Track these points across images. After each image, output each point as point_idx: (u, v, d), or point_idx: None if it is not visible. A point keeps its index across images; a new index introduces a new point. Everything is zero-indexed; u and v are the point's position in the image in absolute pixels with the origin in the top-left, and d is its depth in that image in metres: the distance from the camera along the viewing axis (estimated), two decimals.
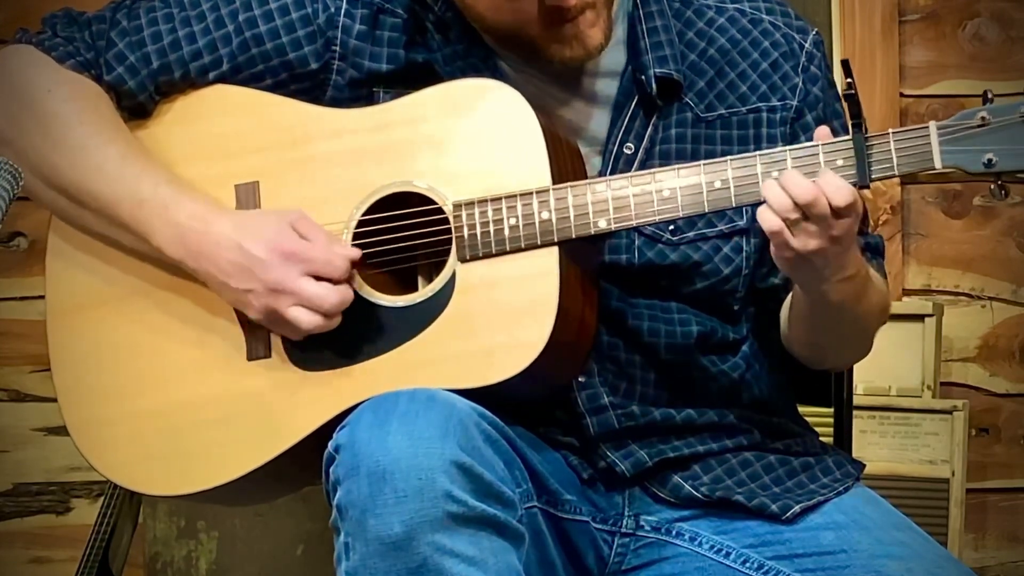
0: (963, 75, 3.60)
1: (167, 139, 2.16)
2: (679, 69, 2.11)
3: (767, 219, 1.93)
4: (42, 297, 2.20)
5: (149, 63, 2.14)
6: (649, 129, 2.11)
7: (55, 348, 2.18)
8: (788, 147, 1.97)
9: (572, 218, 2.01)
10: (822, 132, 1.98)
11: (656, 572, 2.09)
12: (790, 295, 2.12)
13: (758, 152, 1.98)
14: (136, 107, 2.17)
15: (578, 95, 2.12)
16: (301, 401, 2.06)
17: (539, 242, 2.01)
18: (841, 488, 2.12)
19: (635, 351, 2.12)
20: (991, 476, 3.62)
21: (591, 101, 2.12)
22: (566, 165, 2.04)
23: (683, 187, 1.99)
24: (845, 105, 1.98)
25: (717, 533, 2.08)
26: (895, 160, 1.94)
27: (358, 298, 2.06)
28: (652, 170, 2.01)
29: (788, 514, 2.06)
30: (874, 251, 2.18)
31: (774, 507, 2.07)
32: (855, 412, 2.49)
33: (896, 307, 3.49)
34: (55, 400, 2.17)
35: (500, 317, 2.00)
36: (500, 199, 2.02)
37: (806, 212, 1.91)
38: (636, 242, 2.09)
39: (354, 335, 2.05)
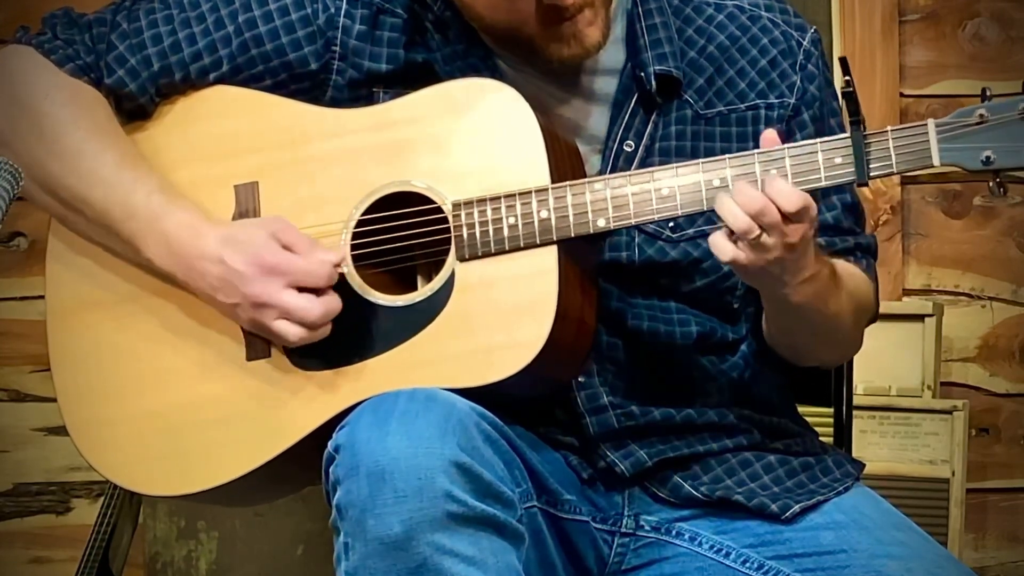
0: (963, 75, 3.61)
1: (167, 140, 2.16)
2: (678, 66, 2.11)
3: (721, 249, 1.92)
4: (42, 297, 2.20)
5: (150, 65, 2.14)
6: (649, 126, 2.11)
7: (55, 348, 2.18)
8: (786, 145, 1.97)
9: (571, 217, 2.01)
10: (768, 136, 1.97)
11: (656, 572, 2.09)
12: None
13: (756, 151, 1.98)
14: (136, 109, 2.17)
15: (577, 93, 2.12)
16: (301, 401, 2.06)
17: (538, 241, 2.01)
18: (841, 488, 2.12)
19: (635, 351, 2.11)
20: (991, 476, 3.62)
21: (590, 99, 2.13)
22: (565, 164, 2.04)
23: (682, 186, 1.99)
24: (843, 103, 1.98)
25: (717, 533, 2.08)
26: (894, 158, 1.94)
27: (357, 298, 2.06)
28: (651, 169, 2.01)
29: (788, 514, 2.06)
30: (865, 250, 2.18)
31: (774, 507, 2.07)
32: (855, 412, 2.49)
33: (896, 307, 3.50)
34: (55, 400, 2.17)
35: (499, 316, 2.00)
36: (499, 198, 2.02)
37: (758, 221, 1.90)
38: (636, 239, 2.09)
39: (353, 335, 2.05)
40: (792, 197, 1.91)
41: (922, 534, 2.07)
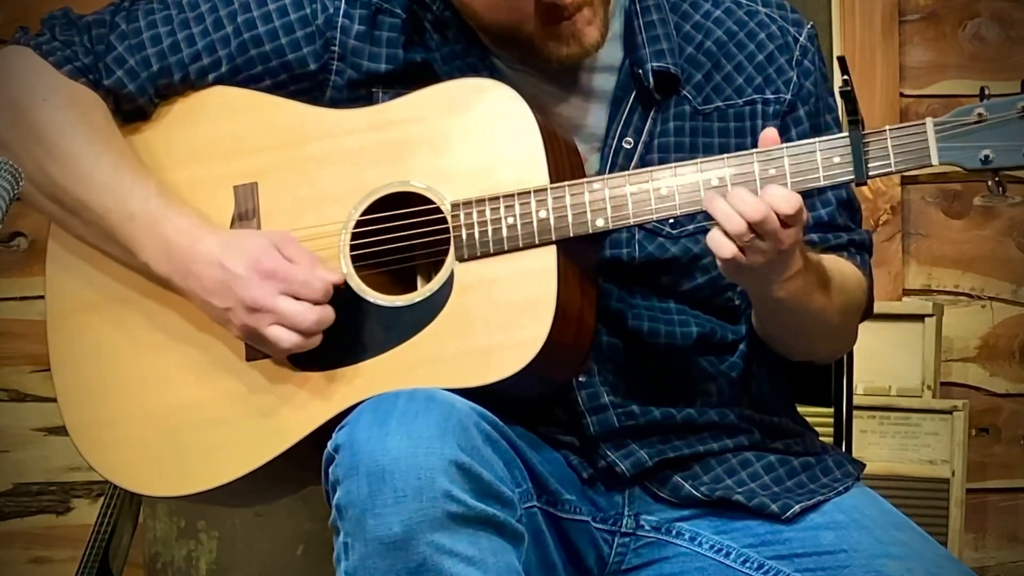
0: (963, 75, 3.61)
1: (166, 141, 2.16)
2: (676, 63, 2.11)
3: (722, 245, 1.92)
4: (42, 297, 2.20)
5: (149, 66, 2.14)
6: (647, 123, 2.11)
7: (55, 349, 2.18)
8: (785, 145, 1.97)
9: (570, 217, 2.01)
10: (767, 136, 1.98)
11: (656, 572, 2.09)
12: None
13: (755, 150, 1.98)
14: (136, 110, 2.17)
15: (575, 91, 2.12)
16: (300, 401, 2.06)
17: (537, 241, 2.01)
18: (841, 488, 2.12)
19: (635, 351, 2.11)
20: (991, 476, 3.62)
21: (589, 97, 2.13)
22: (564, 163, 2.04)
23: (680, 185, 1.99)
24: (841, 102, 1.97)
25: (717, 533, 2.08)
26: (892, 157, 1.94)
27: (357, 298, 2.06)
28: (649, 168, 2.01)
29: (788, 514, 2.06)
30: (859, 247, 2.18)
31: (774, 507, 2.07)
32: (855, 412, 2.49)
33: (896, 307, 3.50)
34: (55, 400, 2.17)
35: (498, 316, 2.00)
36: (498, 198, 2.02)
37: (757, 229, 1.91)
38: (637, 236, 2.09)
39: (353, 335, 2.05)
40: (790, 200, 1.91)
41: (922, 534, 2.07)
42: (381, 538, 1.84)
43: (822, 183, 1.96)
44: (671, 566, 2.09)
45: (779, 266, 1.96)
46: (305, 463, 2.01)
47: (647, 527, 2.10)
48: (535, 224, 2.01)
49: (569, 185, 2.01)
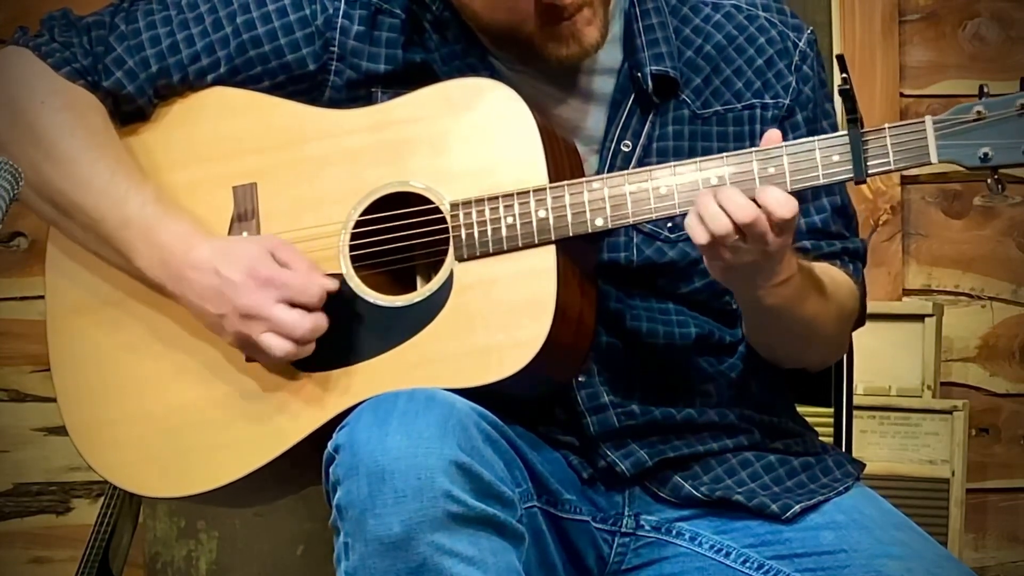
0: (963, 75, 3.61)
1: (165, 142, 2.16)
2: (675, 67, 2.11)
3: (697, 232, 1.92)
4: (42, 297, 2.20)
5: (148, 67, 2.14)
6: (646, 126, 2.11)
7: (55, 350, 2.18)
8: (784, 144, 1.97)
9: (569, 217, 2.01)
10: (771, 136, 1.98)
11: (656, 572, 2.09)
12: None
13: (754, 148, 1.98)
14: (135, 111, 2.17)
15: (575, 93, 2.12)
16: (300, 402, 2.06)
17: (536, 241, 2.01)
18: (841, 488, 2.12)
19: (634, 351, 2.11)
20: (991, 476, 3.62)
21: (588, 99, 2.12)
22: (563, 163, 2.04)
23: (679, 184, 1.99)
24: (841, 101, 1.97)
25: (717, 533, 2.08)
26: (892, 155, 1.94)
27: (356, 298, 2.06)
28: (648, 168, 2.01)
29: (788, 514, 2.06)
30: (852, 255, 2.18)
31: (774, 507, 2.07)
32: (855, 412, 2.49)
33: (896, 307, 3.50)
34: (55, 400, 2.17)
35: (498, 316, 2.00)
36: (497, 198, 2.02)
37: (744, 231, 1.90)
38: (635, 239, 2.10)
39: (352, 335, 2.05)
40: (787, 204, 1.90)
41: (922, 534, 2.07)
42: (381, 538, 1.84)
43: (821, 181, 1.96)
44: (671, 566, 2.09)
45: (767, 270, 1.95)
46: (305, 463, 2.01)
47: (647, 527, 2.10)
48: (534, 224, 2.01)
49: (568, 185, 2.01)
